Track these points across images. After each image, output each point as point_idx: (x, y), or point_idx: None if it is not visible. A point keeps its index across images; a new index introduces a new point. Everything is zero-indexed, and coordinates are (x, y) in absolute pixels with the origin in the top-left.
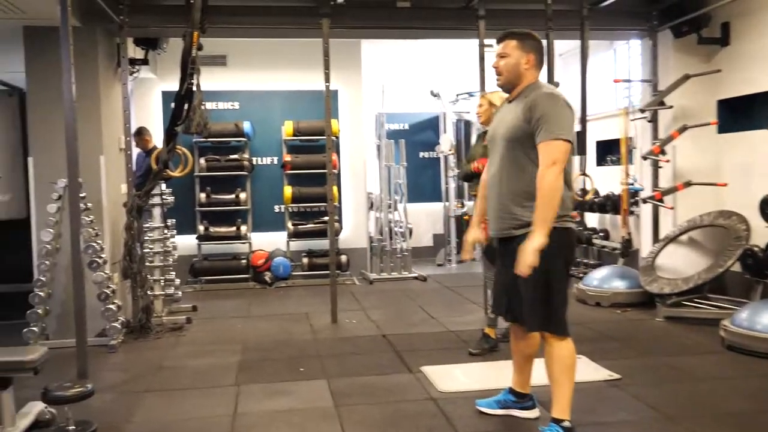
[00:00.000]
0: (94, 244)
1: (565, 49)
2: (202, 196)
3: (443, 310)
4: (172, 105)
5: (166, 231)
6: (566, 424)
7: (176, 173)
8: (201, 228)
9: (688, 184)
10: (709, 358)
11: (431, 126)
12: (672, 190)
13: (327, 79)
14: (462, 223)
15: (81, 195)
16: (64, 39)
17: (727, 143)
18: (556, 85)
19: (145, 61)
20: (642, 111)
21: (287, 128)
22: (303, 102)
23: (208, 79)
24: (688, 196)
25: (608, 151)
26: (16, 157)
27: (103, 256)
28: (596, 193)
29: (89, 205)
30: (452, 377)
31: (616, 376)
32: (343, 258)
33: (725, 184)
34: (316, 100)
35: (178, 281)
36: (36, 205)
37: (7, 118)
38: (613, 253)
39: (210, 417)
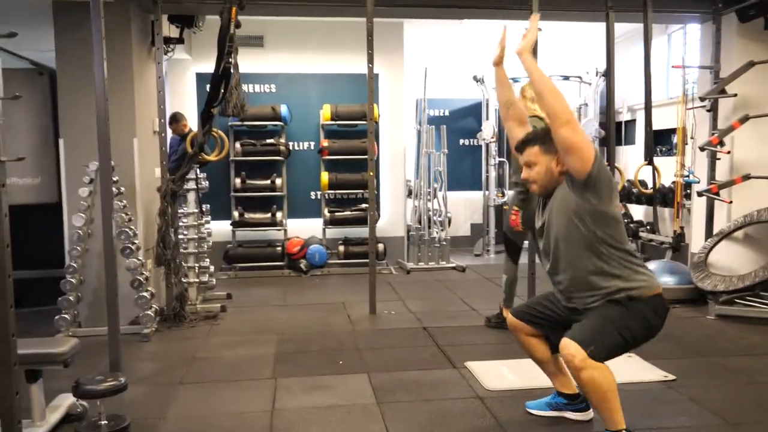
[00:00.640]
0: (127, 229)
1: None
2: (237, 181)
3: (483, 302)
4: (208, 86)
5: (200, 217)
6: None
7: (212, 157)
8: (236, 214)
9: (746, 177)
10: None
11: (472, 112)
12: (729, 184)
13: (370, 60)
14: (501, 213)
15: (113, 179)
16: (95, 15)
17: None
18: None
19: (180, 40)
20: (702, 99)
21: (325, 112)
22: (341, 85)
23: (244, 61)
24: (744, 189)
25: (658, 141)
26: (47, 138)
27: (136, 241)
28: (644, 184)
29: (122, 189)
30: (499, 374)
31: (671, 377)
32: (380, 246)
33: None
34: (355, 84)
35: (212, 268)
36: (67, 188)
37: (37, 99)
38: (661, 248)
39: (247, 412)
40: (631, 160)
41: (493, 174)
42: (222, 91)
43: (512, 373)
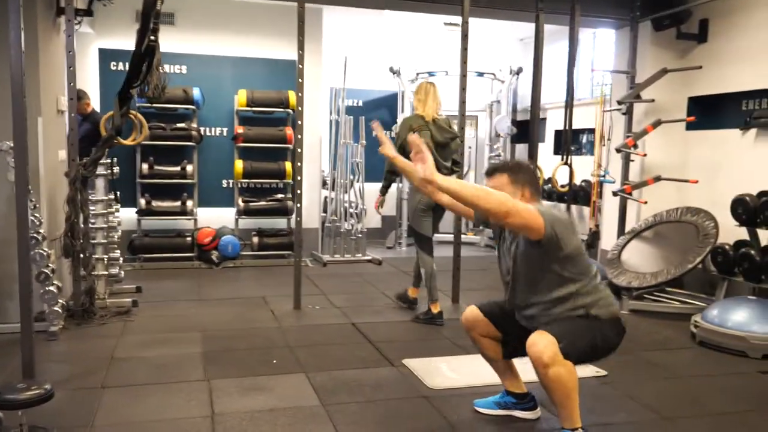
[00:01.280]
0: (32, 217)
1: (527, 33)
2: (144, 167)
3: None
4: (113, 63)
5: (111, 204)
6: (580, 431)
7: (128, 141)
8: (142, 202)
9: (658, 178)
10: (684, 354)
11: (386, 104)
12: (642, 184)
13: (301, 47)
14: None
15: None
16: None
17: (695, 140)
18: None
19: (89, 12)
20: (619, 103)
21: (240, 98)
22: (258, 70)
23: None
24: (655, 190)
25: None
26: None
27: (41, 231)
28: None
29: None
30: (439, 372)
31: (603, 372)
32: None
33: (696, 181)
34: (272, 69)
35: (121, 260)
36: None
37: None
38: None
39: (184, 419)
40: (540, 156)
41: None
42: (143, 70)
43: (452, 371)
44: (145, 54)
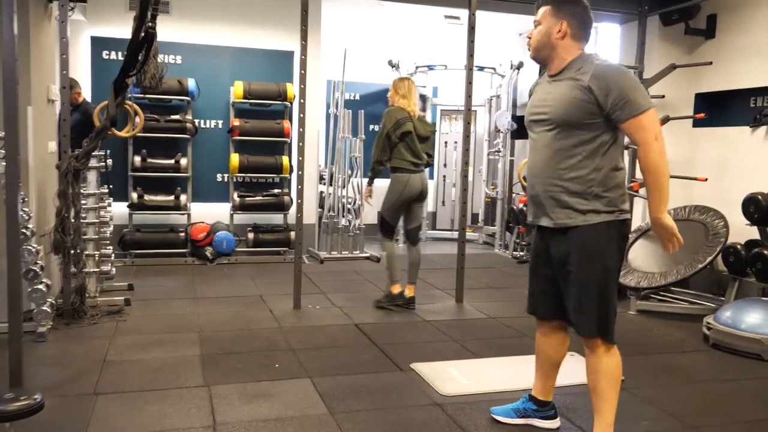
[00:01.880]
0: (21, 212)
1: (526, 28)
2: (137, 159)
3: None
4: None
5: (102, 199)
6: None
7: (123, 133)
8: (134, 196)
9: None
10: (699, 357)
11: (383, 98)
12: None
13: (304, 38)
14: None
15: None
16: None
17: (702, 137)
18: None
19: None
20: None
21: (237, 89)
22: (254, 61)
23: None
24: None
25: None
26: None
27: (30, 226)
28: None
29: None
30: (450, 377)
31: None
32: (293, 234)
33: (705, 179)
34: (270, 61)
35: (113, 257)
36: None
37: None
38: None
39: (185, 429)
40: None
41: None
42: (141, 59)
43: (463, 376)
44: (143, 42)
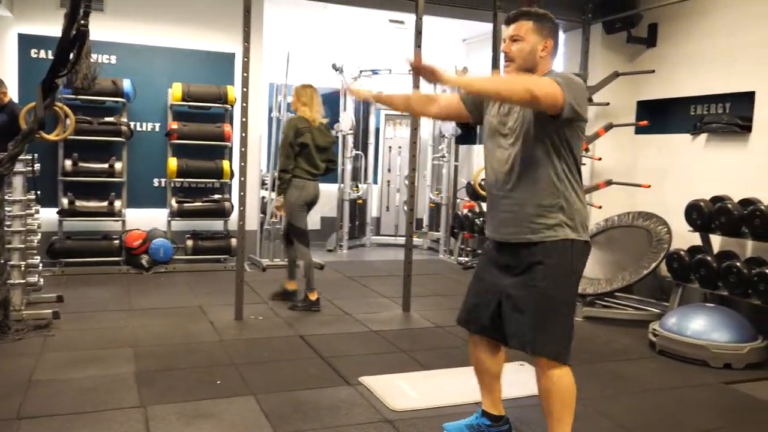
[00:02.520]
0: None
1: (471, 34)
2: (68, 163)
3: (354, 304)
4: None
5: (29, 206)
6: None
7: (52, 136)
8: (65, 201)
9: (609, 182)
10: (647, 365)
11: (326, 102)
12: (594, 188)
13: (246, 39)
14: (356, 208)
15: None
16: None
17: (644, 144)
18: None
19: None
20: None
21: (175, 92)
22: (194, 63)
23: None
24: (606, 195)
25: None
26: None
27: None
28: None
29: None
30: (400, 392)
31: None
32: (234, 241)
33: (649, 186)
34: (210, 62)
35: (41, 267)
36: None
37: None
38: None
39: None
40: (482, 160)
41: (349, 167)
42: (72, 59)
43: (414, 390)
44: (74, 40)
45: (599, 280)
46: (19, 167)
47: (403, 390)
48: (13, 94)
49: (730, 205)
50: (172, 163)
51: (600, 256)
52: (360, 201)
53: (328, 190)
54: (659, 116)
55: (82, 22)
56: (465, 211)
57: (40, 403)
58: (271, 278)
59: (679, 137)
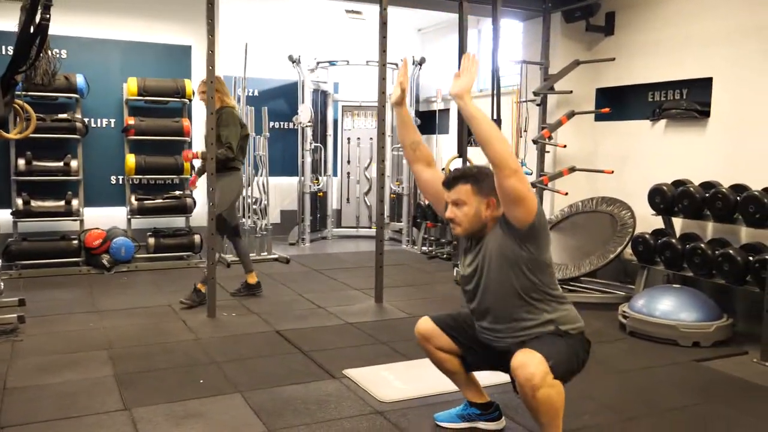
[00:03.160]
0: None
1: (426, 24)
2: (21, 162)
3: (326, 297)
4: None
5: None
6: None
7: (13, 135)
8: (19, 202)
9: (572, 169)
10: (620, 346)
11: (284, 94)
12: (558, 175)
13: (211, 32)
14: (317, 201)
15: None
16: None
17: (604, 131)
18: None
19: None
20: (535, 94)
21: (131, 86)
22: (149, 56)
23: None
24: (565, 182)
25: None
26: None
27: None
28: None
29: None
30: (386, 383)
31: None
32: (197, 238)
33: (612, 172)
34: (165, 55)
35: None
36: None
37: None
38: None
39: None
40: (443, 150)
41: (309, 159)
42: (33, 54)
43: (399, 380)
44: (36, 35)
45: (566, 266)
46: None
47: (388, 381)
48: None
49: (692, 189)
50: (130, 159)
51: (565, 241)
52: (321, 194)
53: (288, 183)
54: (618, 103)
55: (46, 15)
56: (426, 201)
57: (19, 411)
58: (238, 274)
59: (639, 123)
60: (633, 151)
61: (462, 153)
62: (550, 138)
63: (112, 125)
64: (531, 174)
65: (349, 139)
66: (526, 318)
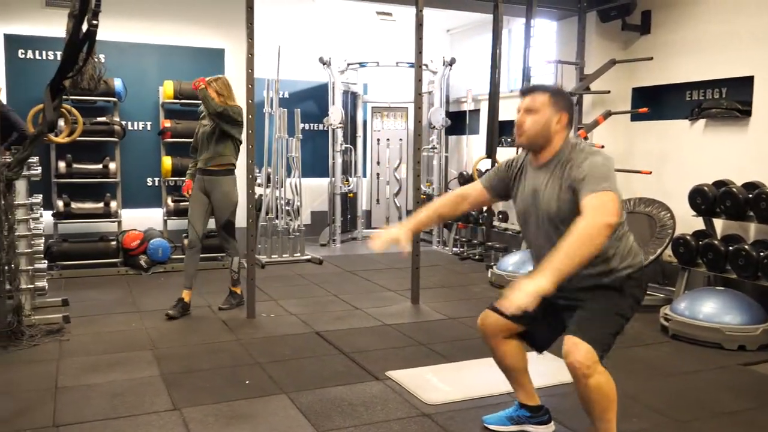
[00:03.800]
0: None
1: (455, 24)
2: (62, 165)
3: (362, 299)
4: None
5: (32, 209)
6: None
7: (60, 138)
8: (60, 204)
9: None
10: (662, 349)
11: (314, 95)
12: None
13: (250, 35)
14: (347, 201)
15: None
16: None
17: (640, 131)
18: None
19: None
20: (572, 94)
21: (166, 89)
22: (184, 60)
23: (64, 25)
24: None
25: (502, 132)
26: None
27: None
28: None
29: None
30: (430, 385)
31: None
32: None
33: (650, 172)
34: (200, 59)
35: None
36: None
37: None
38: (518, 237)
39: None
40: (473, 149)
41: (339, 160)
42: (80, 59)
43: (443, 382)
44: (84, 41)
45: None
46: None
47: (433, 383)
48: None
49: (735, 189)
50: (167, 162)
51: None
52: (351, 195)
53: (318, 185)
54: (655, 102)
55: (94, 21)
56: None
57: (73, 410)
58: (272, 275)
59: (676, 123)
60: (671, 152)
61: (491, 154)
62: (586, 138)
63: (149, 128)
64: None
65: (378, 140)
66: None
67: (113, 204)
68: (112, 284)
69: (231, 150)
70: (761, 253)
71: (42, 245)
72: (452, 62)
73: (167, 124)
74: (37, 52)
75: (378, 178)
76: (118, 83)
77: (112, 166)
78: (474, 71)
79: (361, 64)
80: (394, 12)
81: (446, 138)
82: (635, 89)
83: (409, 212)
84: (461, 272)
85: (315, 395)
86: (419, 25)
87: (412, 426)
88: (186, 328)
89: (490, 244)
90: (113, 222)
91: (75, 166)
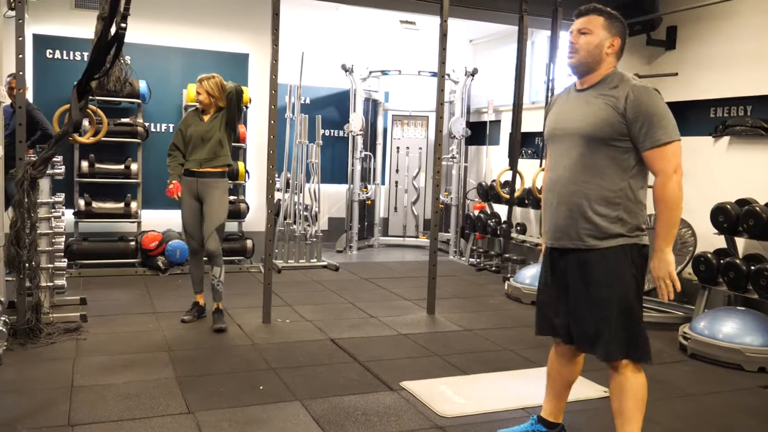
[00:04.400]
0: None
1: (478, 35)
2: (84, 164)
3: (378, 307)
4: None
5: (54, 207)
6: None
7: (85, 138)
8: (81, 203)
9: None
10: (682, 369)
11: (334, 102)
12: None
13: (275, 41)
14: (365, 209)
15: None
16: None
17: None
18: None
19: None
20: None
21: (190, 92)
22: (208, 64)
23: (92, 26)
24: None
25: (523, 143)
26: None
27: None
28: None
29: None
30: (444, 397)
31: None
32: (249, 243)
33: None
34: (224, 63)
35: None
36: None
37: None
38: (535, 249)
39: None
40: (494, 161)
41: (358, 167)
42: (108, 62)
43: (458, 395)
44: (112, 43)
45: None
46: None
47: (447, 395)
48: (28, 94)
49: (758, 209)
50: None
51: None
52: (369, 202)
53: (335, 191)
54: (678, 118)
55: (123, 25)
56: (475, 212)
57: (87, 410)
58: (289, 280)
59: (699, 140)
60: (693, 168)
61: (513, 166)
62: None
63: (171, 130)
64: None
65: (398, 148)
66: (605, 207)
67: (133, 204)
68: (130, 284)
69: (229, 149)
70: None
71: (62, 243)
72: (474, 72)
73: None
74: (64, 52)
75: (396, 186)
76: (142, 85)
77: (134, 167)
78: (496, 82)
79: (383, 72)
80: (417, 21)
81: (466, 148)
82: None
83: (427, 221)
84: (478, 283)
85: (329, 403)
86: (443, 35)
87: None
88: (201, 330)
89: (507, 255)
90: (133, 222)
91: (97, 166)
